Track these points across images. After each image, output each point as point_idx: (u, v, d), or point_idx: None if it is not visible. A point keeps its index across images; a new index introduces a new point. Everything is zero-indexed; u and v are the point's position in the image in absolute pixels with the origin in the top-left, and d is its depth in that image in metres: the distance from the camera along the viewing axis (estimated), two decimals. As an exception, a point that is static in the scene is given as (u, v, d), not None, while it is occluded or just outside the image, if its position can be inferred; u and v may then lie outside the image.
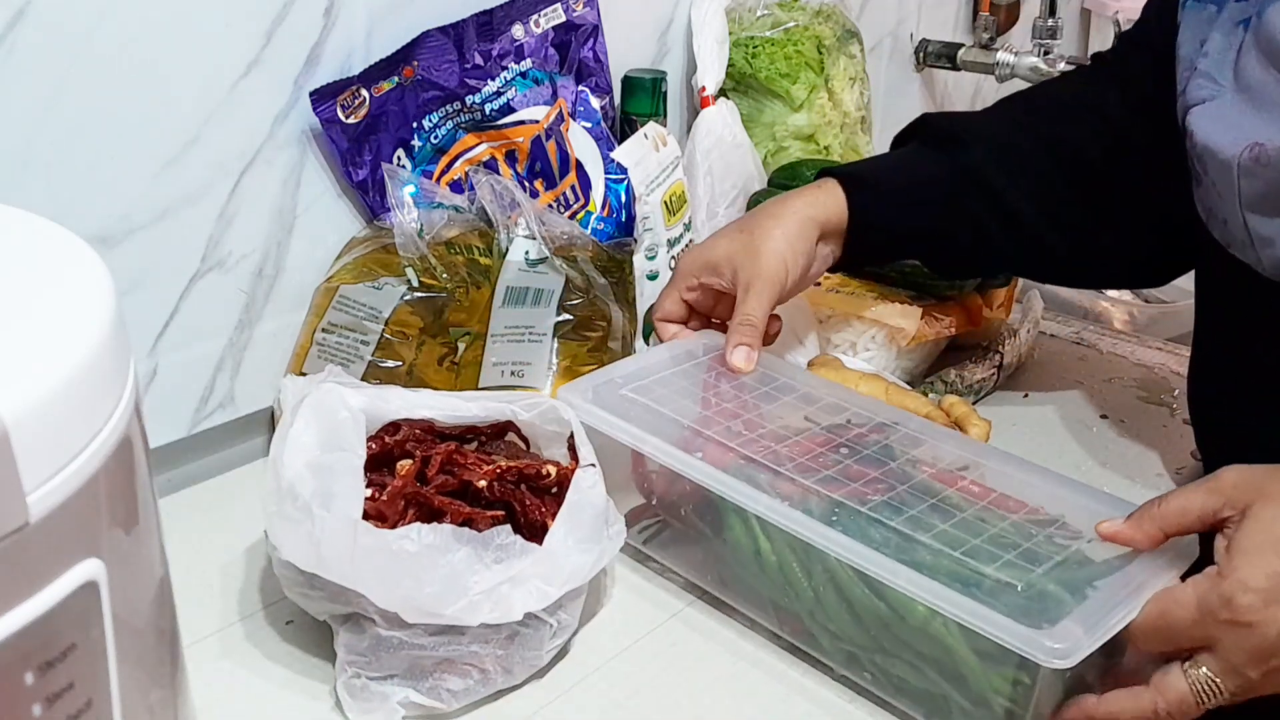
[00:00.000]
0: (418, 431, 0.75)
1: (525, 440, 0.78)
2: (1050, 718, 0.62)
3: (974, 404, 1.02)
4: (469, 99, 0.98)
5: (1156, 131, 0.79)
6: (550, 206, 1.00)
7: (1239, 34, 0.69)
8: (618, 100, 1.11)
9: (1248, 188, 0.66)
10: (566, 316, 0.89)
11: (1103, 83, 0.88)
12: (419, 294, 0.90)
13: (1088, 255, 0.88)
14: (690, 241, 1.08)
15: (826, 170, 0.89)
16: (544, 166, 1.00)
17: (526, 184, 1.00)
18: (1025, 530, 0.68)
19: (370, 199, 0.95)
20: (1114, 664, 0.66)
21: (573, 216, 1.00)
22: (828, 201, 0.85)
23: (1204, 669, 0.56)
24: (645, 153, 1.01)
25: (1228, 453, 0.64)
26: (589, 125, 1.02)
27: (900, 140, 0.93)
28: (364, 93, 0.92)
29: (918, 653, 0.64)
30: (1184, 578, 0.62)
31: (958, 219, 0.87)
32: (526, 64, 1.01)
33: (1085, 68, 0.95)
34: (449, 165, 0.99)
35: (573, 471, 0.70)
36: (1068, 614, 0.59)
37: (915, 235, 0.89)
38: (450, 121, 0.98)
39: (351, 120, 0.91)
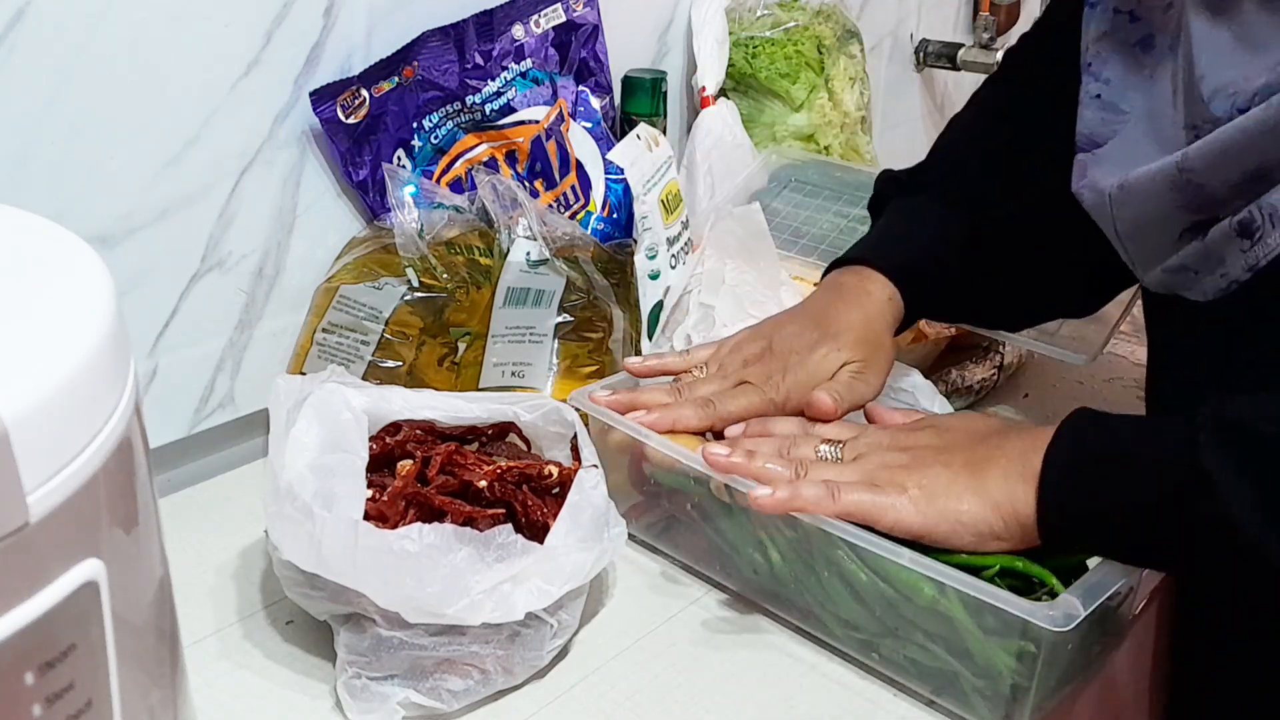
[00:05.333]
0: (418, 432, 0.75)
1: (527, 441, 0.78)
2: (1056, 689, 0.64)
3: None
4: (469, 99, 0.98)
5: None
6: (550, 207, 1.00)
7: (1139, 55, 0.67)
8: (618, 100, 1.11)
9: (1119, 214, 0.67)
10: (567, 317, 0.89)
11: (1040, 110, 0.81)
12: (419, 294, 0.90)
13: (1059, 289, 0.86)
14: (688, 240, 1.08)
15: (848, 259, 0.83)
16: (544, 167, 1.00)
17: (526, 184, 1.00)
18: None
19: (370, 199, 0.95)
20: (1113, 641, 0.69)
21: (573, 216, 1.00)
22: (891, 310, 0.81)
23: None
24: (640, 153, 1.01)
25: None
26: (589, 125, 1.02)
27: (876, 201, 0.90)
28: (364, 93, 0.92)
29: (925, 633, 0.65)
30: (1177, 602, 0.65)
31: (977, 274, 0.83)
32: (526, 64, 1.01)
33: (1010, 86, 0.88)
34: (449, 165, 0.99)
35: (575, 472, 0.70)
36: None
37: (951, 301, 0.86)
38: (450, 121, 0.98)
39: (351, 120, 0.91)
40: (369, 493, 0.68)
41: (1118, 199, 0.66)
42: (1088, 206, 0.69)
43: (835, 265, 0.85)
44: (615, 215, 1.00)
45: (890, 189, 0.88)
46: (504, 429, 0.77)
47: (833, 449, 0.70)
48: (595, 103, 1.04)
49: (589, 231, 0.98)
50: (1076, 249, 0.77)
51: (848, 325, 0.78)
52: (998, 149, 0.85)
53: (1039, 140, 0.81)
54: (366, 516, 0.66)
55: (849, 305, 0.79)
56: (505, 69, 1.00)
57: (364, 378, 0.86)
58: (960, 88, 1.64)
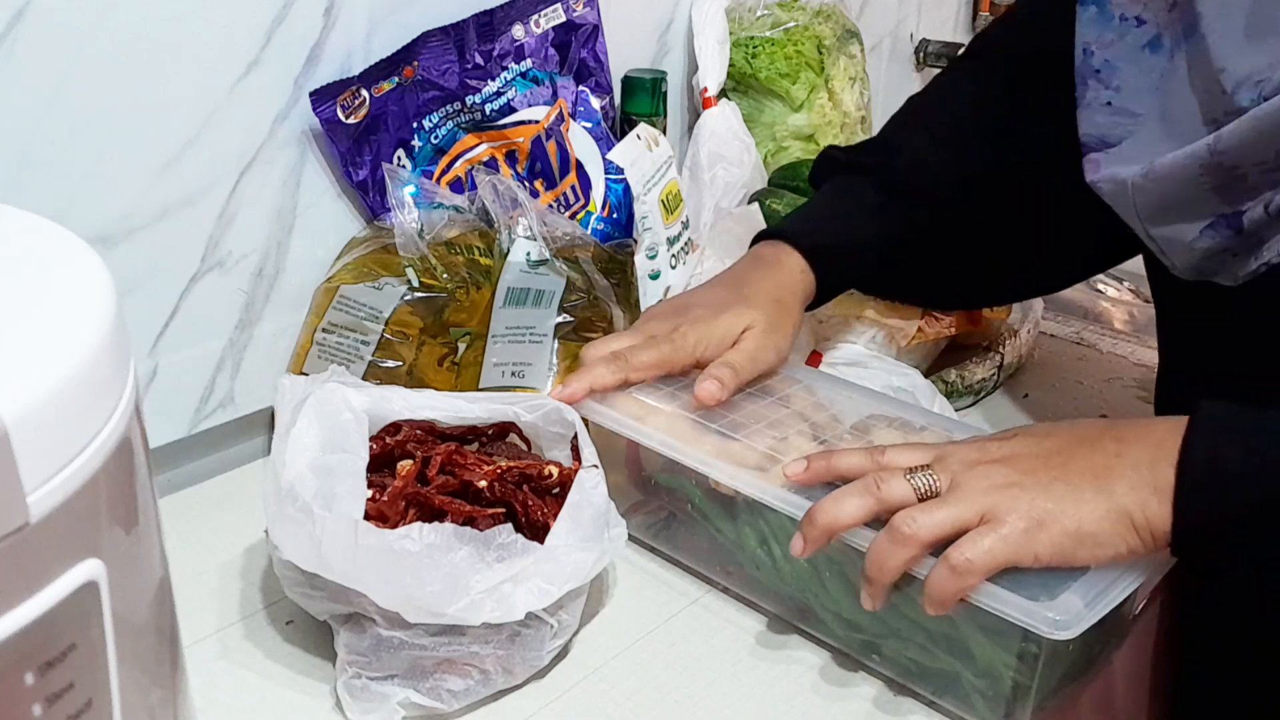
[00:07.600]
0: (418, 432, 0.75)
1: (527, 442, 0.78)
2: (1057, 689, 0.64)
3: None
4: (469, 99, 0.98)
5: (1060, 137, 0.75)
6: (550, 207, 1.00)
7: (1147, 57, 0.67)
8: (618, 100, 1.11)
9: (1142, 202, 0.67)
10: (567, 317, 0.89)
11: (1001, 97, 0.85)
12: (419, 294, 0.90)
13: (997, 275, 0.90)
14: (689, 240, 1.08)
15: (770, 233, 0.87)
16: (544, 167, 1.00)
17: (526, 184, 1.00)
18: None
19: (370, 199, 0.95)
20: (1114, 641, 0.69)
21: (573, 216, 1.00)
22: (803, 282, 0.84)
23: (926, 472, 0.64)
24: (640, 153, 1.01)
25: None
26: (589, 125, 1.02)
27: (816, 176, 0.93)
28: (364, 93, 0.92)
29: (927, 633, 0.65)
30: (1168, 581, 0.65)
31: (907, 258, 0.88)
32: (526, 64, 1.01)
33: (974, 72, 0.91)
34: (449, 165, 0.99)
35: (575, 472, 0.70)
36: (1068, 587, 0.61)
37: (876, 282, 0.91)
38: (450, 121, 0.98)
39: (351, 120, 0.91)
40: (369, 493, 0.68)
41: (1140, 186, 0.66)
42: (1107, 196, 0.69)
43: (761, 237, 0.88)
44: (615, 215, 1.00)
45: (828, 168, 0.91)
46: (504, 429, 0.77)
47: (927, 478, 0.63)
48: (595, 103, 1.04)
49: (589, 231, 0.98)
50: (1025, 231, 0.84)
51: (758, 289, 0.81)
52: (952, 129, 0.88)
53: (997, 120, 0.85)
54: (367, 516, 0.66)
55: (762, 273, 0.83)
56: (505, 69, 1.00)
57: (364, 378, 0.86)
58: (960, 88, 1.64)
